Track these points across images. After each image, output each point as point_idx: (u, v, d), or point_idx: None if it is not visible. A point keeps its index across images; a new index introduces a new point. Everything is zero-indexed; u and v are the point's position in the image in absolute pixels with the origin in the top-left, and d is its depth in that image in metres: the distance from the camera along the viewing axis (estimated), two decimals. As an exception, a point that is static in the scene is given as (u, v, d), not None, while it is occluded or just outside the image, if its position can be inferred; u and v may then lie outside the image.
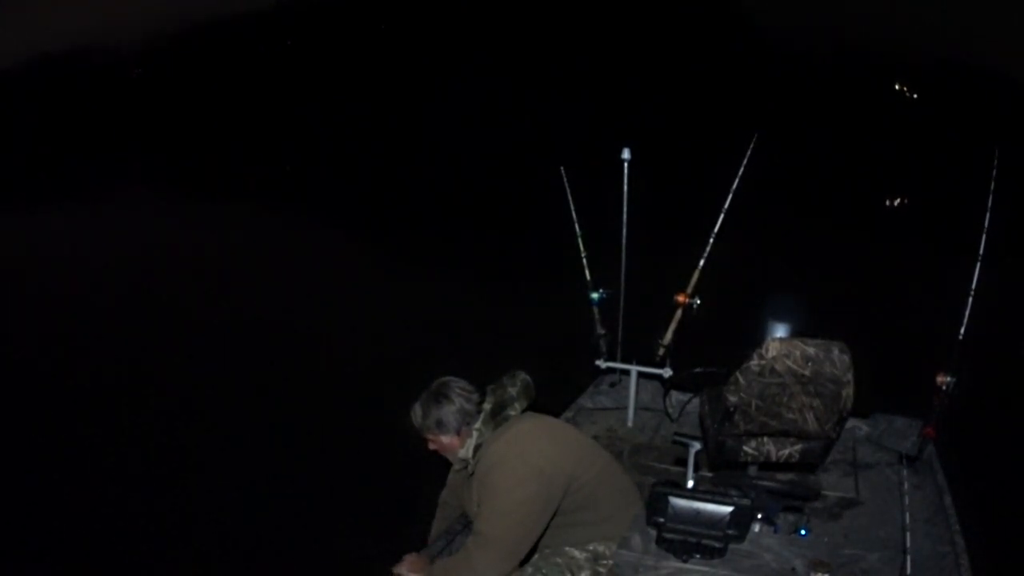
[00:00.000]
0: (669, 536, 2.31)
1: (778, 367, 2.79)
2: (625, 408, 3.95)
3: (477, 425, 2.36)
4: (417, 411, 2.41)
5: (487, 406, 2.38)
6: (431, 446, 2.46)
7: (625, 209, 3.86)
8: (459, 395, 2.37)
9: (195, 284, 10.32)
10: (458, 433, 2.38)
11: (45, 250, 13.25)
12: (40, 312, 9.03)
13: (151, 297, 9.67)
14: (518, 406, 2.40)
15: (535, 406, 2.50)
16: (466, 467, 2.42)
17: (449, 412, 2.36)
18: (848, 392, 2.81)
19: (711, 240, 3.86)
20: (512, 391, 2.42)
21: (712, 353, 3.38)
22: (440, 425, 2.37)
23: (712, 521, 2.30)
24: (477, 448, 2.36)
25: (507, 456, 2.28)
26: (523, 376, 2.48)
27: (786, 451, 3.02)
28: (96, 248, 13.24)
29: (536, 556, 2.41)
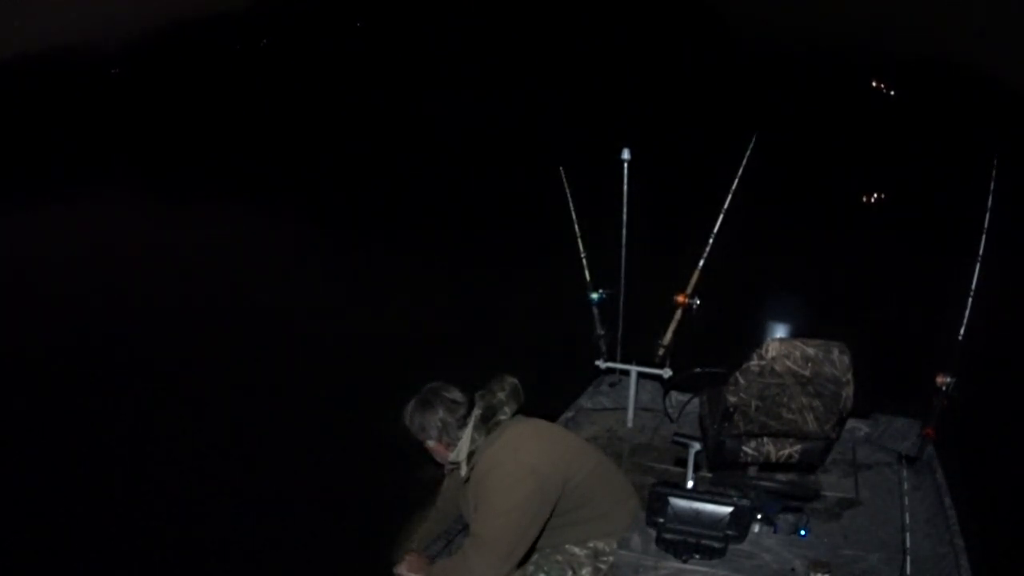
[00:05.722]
0: (669, 536, 2.31)
1: (778, 367, 2.79)
2: (625, 408, 3.94)
3: (468, 432, 2.38)
4: (407, 412, 2.45)
5: (477, 411, 2.40)
6: (423, 444, 2.48)
7: (625, 209, 3.86)
8: (443, 405, 2.39)
9: (177, 283, 10.26)
10: (439, 440, 2.39)
11: (23, 249, 13.23)
12: (19, 311, 9.00)
13: (131, 296, 9.61)
14: (508, 410, 2.42)
15: (524, 408, 2.50)
16: (457, 468, 2.43)
17: (430, 420, 2.38)
18: (848, 393, 2.81)
19: (711, 240, 3.87)
20: (501, 395, 2.44)
21: (712, 353, 3.38)
22: (422, 430, 2.41)
23: (712, 521, 2.30)
24: (471, 455, 2.37)
25: (502, 460, 2.30)
26: (511, 380, 2.50)
27: (786, 451, 3.02)
28: (75, 247, 13.16)
29: (536, 555, 2.42)
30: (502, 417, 2.40)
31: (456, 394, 2.42)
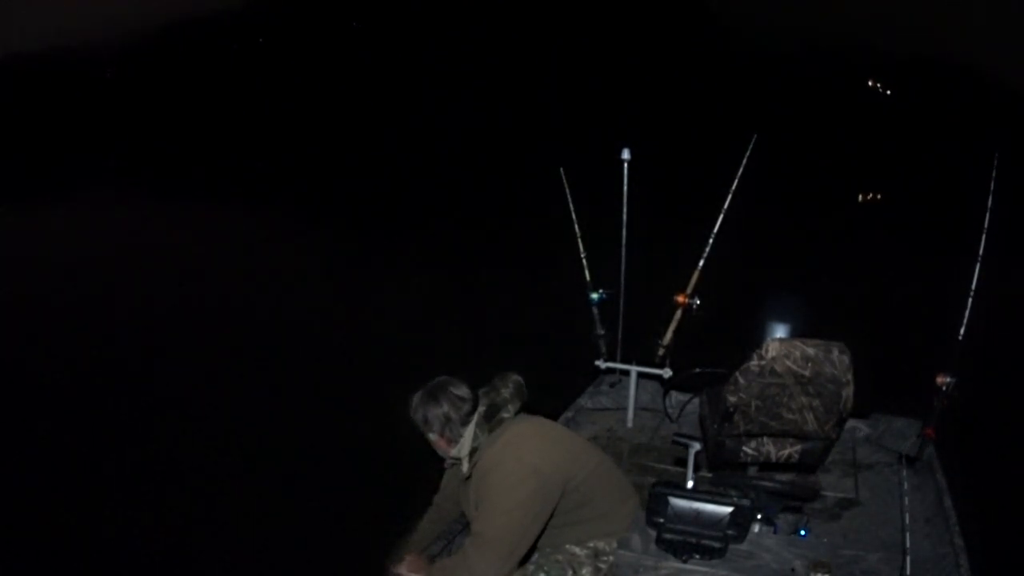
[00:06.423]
0: (669, 536, 2.31)
1: (778, 367, 2.79)
2: (625, 408, 3.94)
3: (471, 429, 2.38)
4: (412, 402, 2.45)
5: (481, 409, 2.40)
6: (425, 436, 2.48)
7: (625, 209, 3.87)
8: (449, 400, 2.38)
9: (175, 283, 10.24)
10: (441, 435, 2.40)
11: (20, 248, 13.22)
12: (15, 311, 8.99)
13: (128, 296, 9.59)
14: (511, 408, 2.42)
15: (528, 406, 2.50)
16: (458, 464, 2.43)
17: (434, 414, 2.38)
18: (848, 393, 2.81)
19: (711, 240, 3.87)
20: (505, 393, 2.44)
21: (712, 353, 3.38)
22: (426, 422, 2.41)
23: (712, 521, 2.30)
24: (473, 452, 2.37)
25: (504, 458, 2.30)
26: (515, 377, 2.50)
27: (786, 451, 3.02)
28: (72, 246, 13.17)
29: (537, 555, 2.42)
30: (505, 415, 2.40)
31: (463, 390, 2.42)
